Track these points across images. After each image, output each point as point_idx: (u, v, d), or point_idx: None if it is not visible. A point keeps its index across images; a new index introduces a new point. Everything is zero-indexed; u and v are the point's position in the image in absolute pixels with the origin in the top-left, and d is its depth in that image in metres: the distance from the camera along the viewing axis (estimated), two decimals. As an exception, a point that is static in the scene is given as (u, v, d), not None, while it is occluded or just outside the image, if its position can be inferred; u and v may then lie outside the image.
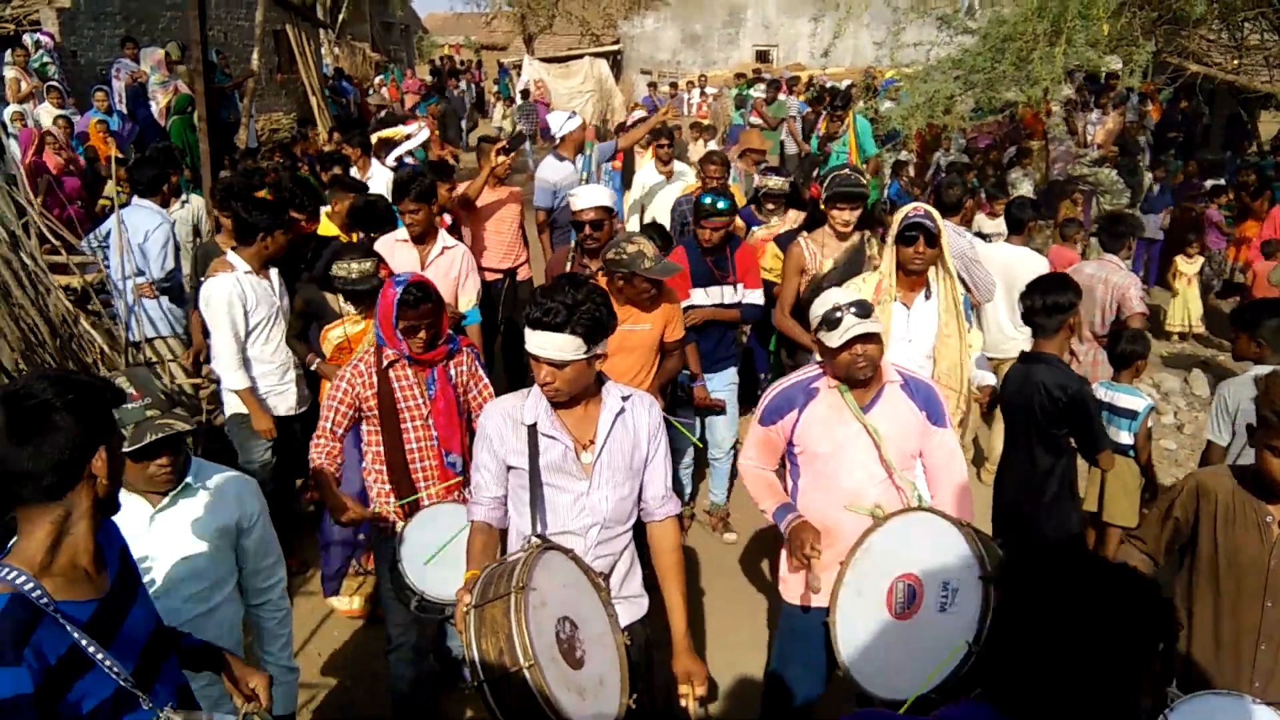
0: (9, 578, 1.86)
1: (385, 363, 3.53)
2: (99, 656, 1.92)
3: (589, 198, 4.62)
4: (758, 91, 14.67)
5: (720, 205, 4.78)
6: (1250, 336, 3.86)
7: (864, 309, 2.87)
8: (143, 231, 5.43)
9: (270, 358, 4.63)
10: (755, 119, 12.17)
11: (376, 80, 22.48)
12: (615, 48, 26.28)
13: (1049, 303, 3.77)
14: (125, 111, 10.53)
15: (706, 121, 13.91)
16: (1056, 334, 3.78)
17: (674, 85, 20.02)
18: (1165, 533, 2.86)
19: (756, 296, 5.04)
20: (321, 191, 6.27)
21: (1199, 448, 5.41)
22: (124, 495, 2.37)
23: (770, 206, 6.38)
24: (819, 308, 2.96)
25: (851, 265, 4.63)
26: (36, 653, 1.84)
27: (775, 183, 6.41)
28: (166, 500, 2.61)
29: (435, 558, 3.24)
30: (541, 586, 2.31)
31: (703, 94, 18.86)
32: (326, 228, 5.68)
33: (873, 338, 2.88)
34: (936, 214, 3.86)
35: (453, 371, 3.62)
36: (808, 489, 3.10)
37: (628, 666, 2.47)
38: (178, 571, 2.62)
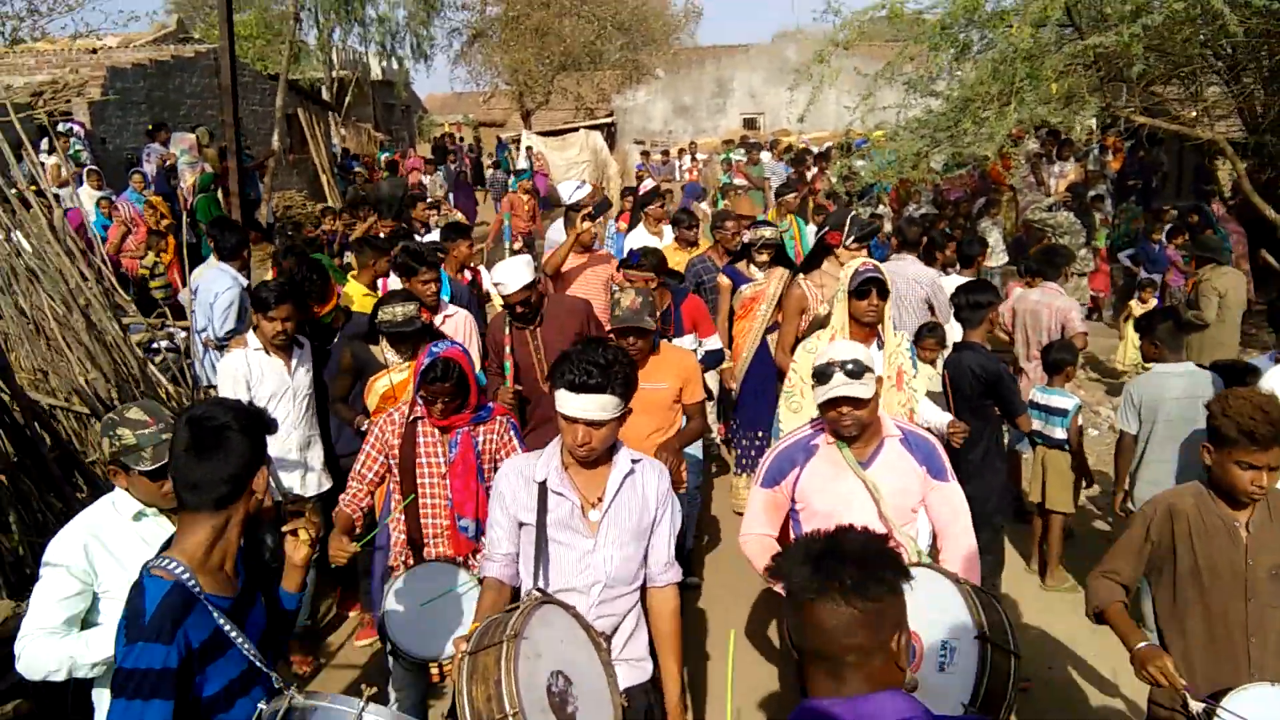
0: (171, 568, 2.12)
1: (414, 416, 3.62)
2: (239, 641, 2.18)
3: (513, 282, 4.62)
4: (738, 155, 15.57)
5: (633, 259, 5.07)
6: (1150, 340, 4.52)
7: (857, 369, 2.85)
8: (214, 292, 5.95)
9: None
10: (739, 179, 12.99)
11: (382, 158, 23.48)
12: (609, 120, 27.42)
13: (972, 300, 4.65)
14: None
15: (699, 183, 14.79)
16: (979, 325, 4.66)
17: (665, 153, 20.99)
18: (1143, 558, 2.98)
19: (713, 343, 5.34)
20: (332, 273, 6.31)
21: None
22: (149, 513, 2.80)
23: (761, 259, 6.43)
24: (819, 359, 3.00)
25: None
26: (185, 635, 2.09)
27: (768, 232, 6.54)
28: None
29: (419, 612, 3.25)
30: (536, 638, 2.32)
31: (694, 160, 19.85)
32: (354, 292, 5.93)
33: (861, 403, 2.87)
34: (883, 268, 4.08)
35: (481, 438, 3.63)
36: None
37: None
38: None
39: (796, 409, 4.20)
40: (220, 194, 11.49)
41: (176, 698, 2.07)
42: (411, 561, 3.59)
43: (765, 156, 15.97)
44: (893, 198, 12.42)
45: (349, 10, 23.32)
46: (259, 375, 4.53)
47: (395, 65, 30.67)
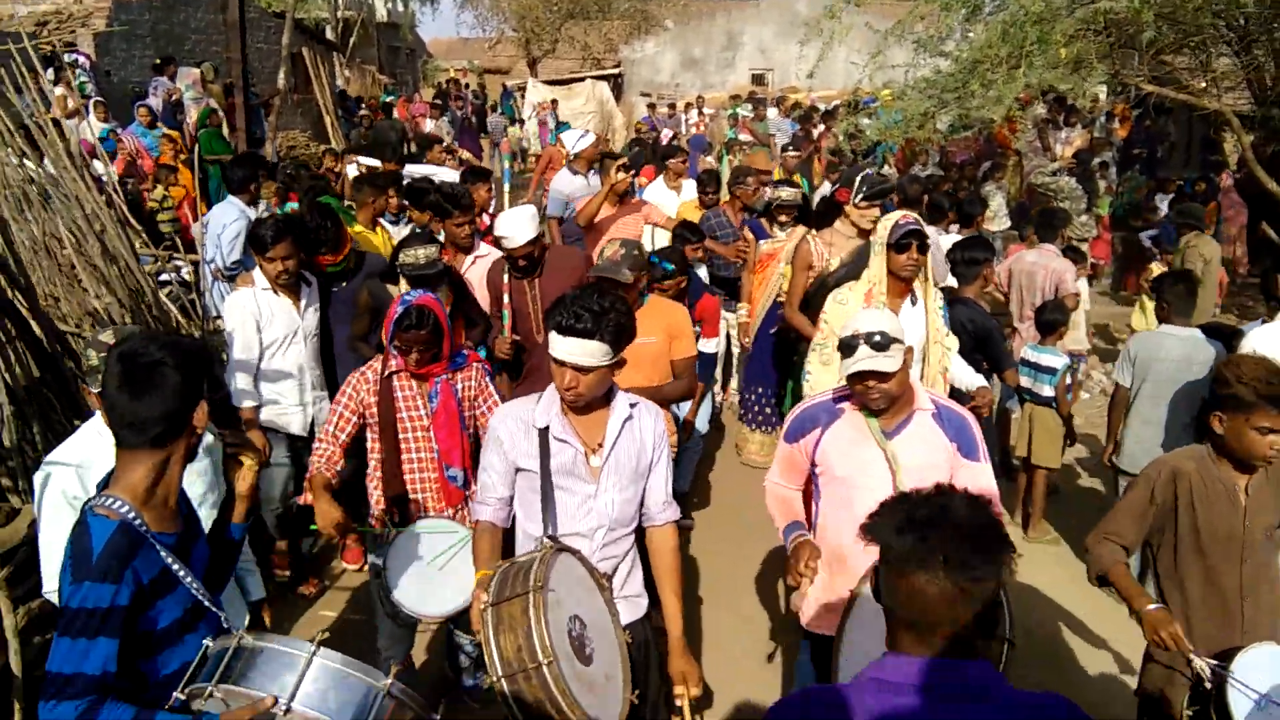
0: (116, 507, 2.10)
1: (389, 370, 3.55)
2: (186, 579, 2.19)
3: (518, 235, 4.53)
4: (745, 110, 15.53)
5: (667, 267, 4.87)
6: (1162, 301, 4.63)
7: (884, 341, 2.78)
8: (222, 223, 6.08)
9: (283, 376, 4.55)
10: (745, 135, 12.99)
11: (387, 101, 23.32)
12: (616, 71, 27.21)
13: (968, 256, 4.77)
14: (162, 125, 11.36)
15: (706, 137, 14.77)
16: (974, 281, 4.78)
17: (672, 106, 20.90)
18: (1146, 521, 3.01)
19: (709, 346, 5.22)
20: (344, 217, 6.18)
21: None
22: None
23: (783, 219, 6.42)
24: (845, 330, 2.93)
25: (857, 263, 4.63)
26: (135, 573, 2.09)
27: (788, 194, 6.53)
28: None
29: (421, 572, 3.25)
30: (556, 586, 2.37)
31: (700, 114, 19.76)
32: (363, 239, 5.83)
33: (887, 376, 2.81)
34: (921, 221, 3.99)
35: (459, 385, 3.60)
36: (826, 511, 3.06)
37: (629, 664, 2.56)
38: None
39: (827, 361, 4.08)
40: (225, 129, 11.47)
41: (123, 636, 2.07)
42: (397, 519, 3.55)
43: (772, 113, 15.93)
44: (899, 158, 12.43)
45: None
46: (269, 316, 4.46)
47: (401, 7, 30.35)
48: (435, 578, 3.20)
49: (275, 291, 4.48)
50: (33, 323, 3.72)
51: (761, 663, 4.39)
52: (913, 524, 1.60)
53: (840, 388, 3.05)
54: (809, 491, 3.20)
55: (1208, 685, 2.72)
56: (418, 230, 5.57)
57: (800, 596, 2.86)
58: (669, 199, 7.83)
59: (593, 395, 2.67)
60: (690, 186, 7.93)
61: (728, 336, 6.76)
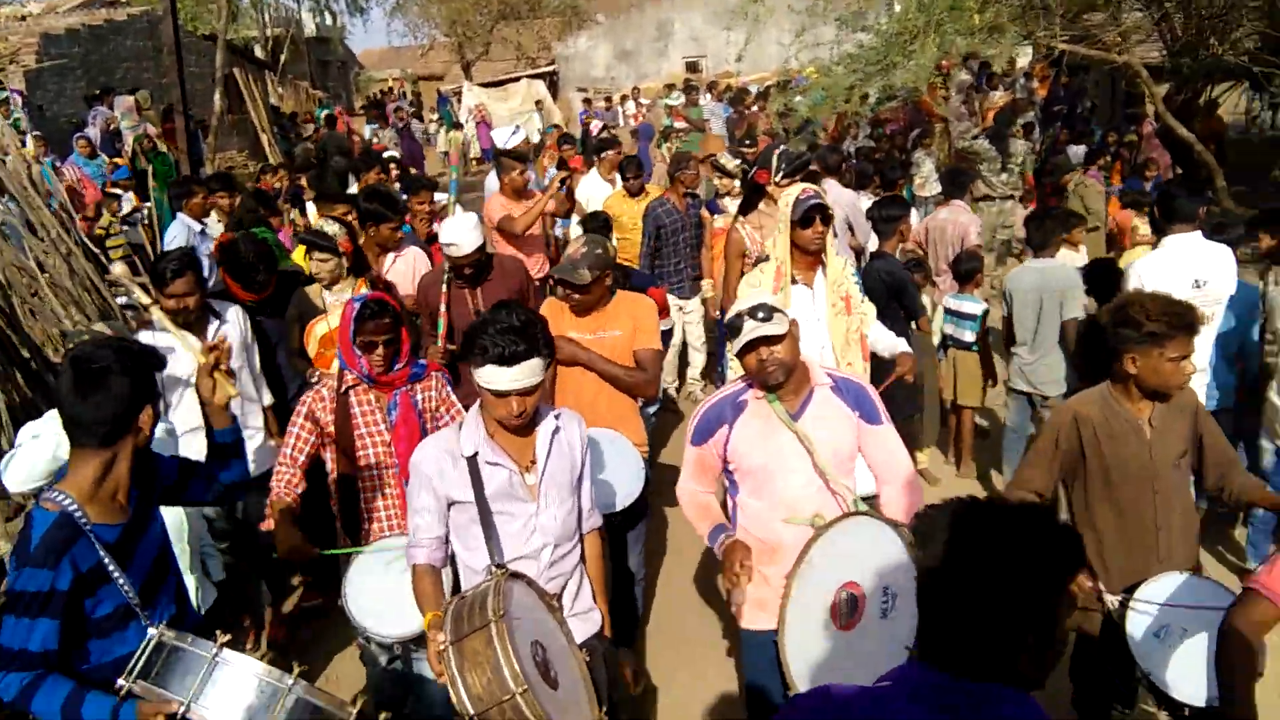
0: (59, 500, 2.29)
1: (344, 386, 3.46)
2: (115, 575, 2.34)
3: (465, 244, 4.40)
4: (674, 99, 15.83)
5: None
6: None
7: (766, 312, 2.82)
8: (169, 237, 6.37)
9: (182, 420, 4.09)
10: (679, 122, 13.29)
11: (321, 115, 23.34)
12: (551, 68, 27.41)
13: (885, 214, 5.17)
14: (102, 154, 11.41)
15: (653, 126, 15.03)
16: (892, 237, 5.21)
17: (609, 99, 21.15)
18: (1055, 466, 3.09)
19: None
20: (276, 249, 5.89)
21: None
22: None
23: (725, 186, 6.75)
24: (728, 315, 2.95)
25: None
26: (72, 561, 2.26)
27: (728, 162, 6.85)
28: None
29: (382, 592, 3.13)
30: (517, 613, 2.31)
31: (637, 105, 20.04)
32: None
33: (774, 340, 2.81)
34: (822, 191, 4.01)
35: (419, 396, 3.50)
36: (746, 505, 3.02)
37: (591, 683, 2.54)
38: None
39: None
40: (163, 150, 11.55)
41: (65, 618, 2.26)
42: (361, 538, 3.47)
43: (705, 99, 16.24)
44: (832, 133, 12.81)
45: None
46: (172, 359, 3.83)
47: (330, 21, 30.26)
48: (398, 597, 2.96)
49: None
50: (18, 345, 3.91)
51: (718, 651, 4.36)
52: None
53: (737, 383, 3.05)
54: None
55: (1114, 615, 2.88)
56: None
57: (741, 595, 2.80)
58: (603, 190, 7.87)
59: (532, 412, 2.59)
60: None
61: (683, 328, 6.92)
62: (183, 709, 2.15)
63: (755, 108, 14.12)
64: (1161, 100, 11.24)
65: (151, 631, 2.28)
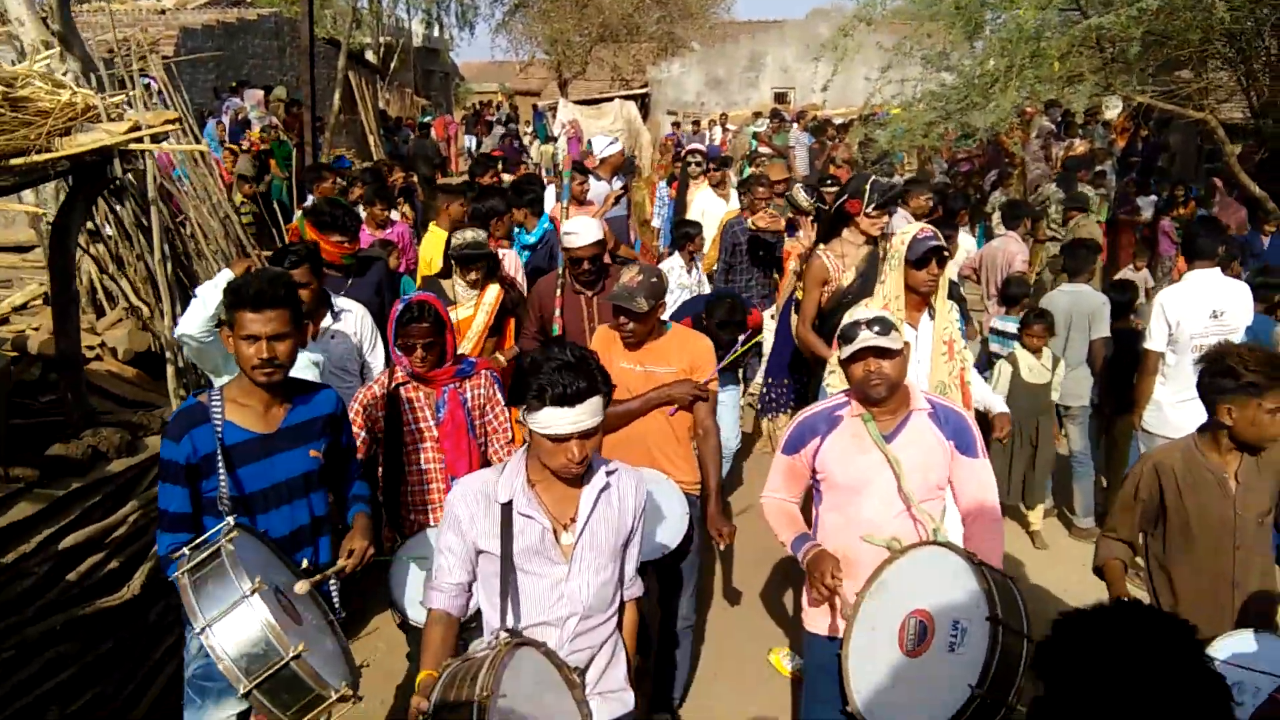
0: (210, 392, 2.75)
1: (395, 383, 3.54)
2: (219, 467, 2.63)
3: (585, 235, 4.43)
4: (760, 126, 16.46)
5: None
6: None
7: (884, 326, 2.80)
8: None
9: None
10: (764, 148, 13.85)
11: (426, 121, 24.49)
12: (644, 91, 28.19)
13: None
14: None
15: (726, 153, 15.67)
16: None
17: (696, 123, 21.83)
18: (1136, 515, 3.08)
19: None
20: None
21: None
22: None
23: (798, 220, 6.89)
24: (844, 322, 2.95)
25: (872, 273, 4.56)
26: (192, 441, 2.64)
27: (801, 198, 7.05)
28: None
29: (420, 578, 3.21)
30: (510, 691, 2.09)
31: (724, 131, 20.70)
32: (438, 237, 6.29)
33: (887, 353, 2.79)
34: (939, 233, 3.92)
35: (468, 395, 3.55)
36: (827, 518, 3.02)
37: None
38: None
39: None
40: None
41: (191, 487, 2.66)
42: (406, 531, 3.57)
43: (792, 128, 16.82)
44: (916, 166, 13.25)
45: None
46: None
47: (438, 33, 31.59)
48: None
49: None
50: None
51: (772, 683, 4.38)
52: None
53: (837, 396, 3.06)
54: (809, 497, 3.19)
55: None
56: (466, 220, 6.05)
57: (846, 607, 2.76)
58: (718, 206, 8.48)
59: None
60: (735, 194, 8.52)
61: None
62: (198, 629, 2.32)
63: (836, 138, 14.62)
64: (1239, 157, 11.43)
65: (223, 528, 2.46)
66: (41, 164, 2.99)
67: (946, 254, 3.83)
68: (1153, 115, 13.97)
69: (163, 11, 18.67)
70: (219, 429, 2.66)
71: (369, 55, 25.77)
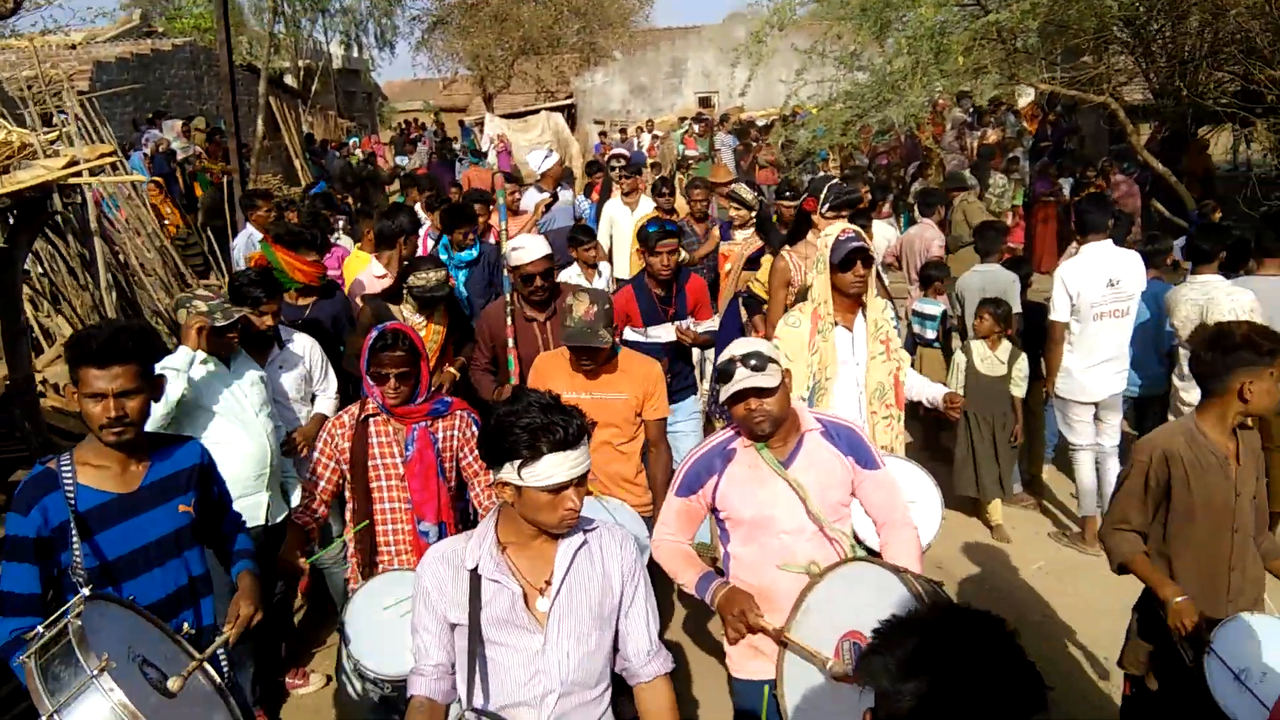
0: (61, 456, 2.54)
1: (365, 414, 3.37)
2: (72, 537, 2.42)
3: (533, 249, 4.27)
4: (688, 129, 16.82)
5: (667, 227, 4.76)
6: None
7: (760, 361, 2.72)
8: (236, 244, 6.92)
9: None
10: (690, 150, 14.15)
11: (350, 143, 24.37)
12: (569, 102, 28.43)
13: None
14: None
15: (653, 159, 15.97)
16: None
17: (623, 131, 22.11)
18: (1149, 505, 3.03)
19: (710, 325, 5.20)
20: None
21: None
22: (208, 359, 3.61)
23: (737, 213, 6.80)
24: (720, 358, 2.86)
25: None
26: (43, 512, 2.43)
27: (744, 191, 7.00)
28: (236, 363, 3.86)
29: (379, 623, 2.99)
30: None
31: (652, 137, 21.01)
32: (360, 261, 6.03)
33: (766, 392, 2.72)
34: (862, 232, 3.86)
35: (440, 434, 3.36)
36: (739, 553, 2.91)
37: None
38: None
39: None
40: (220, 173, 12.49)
41: (43, 564, 2.43)
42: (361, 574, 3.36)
43: (718, 131, 17.18)
44: (835, 165, 13.65)
45: (318, 2, 24.15)
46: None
47: (358, 53, 31.42)
48: (400, 636, 2.73)
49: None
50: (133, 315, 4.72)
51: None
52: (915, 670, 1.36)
53: (724, 432, 2.96)
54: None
55: (1189, 661, 2.85)
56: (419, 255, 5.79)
57: (757, 645, 2.69)
58: (624, 214, 8.25)
59: None
60: (646, 201, 8.40)
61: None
62: (45, 718, 2.09)
63: (760, 141, 14.98)
64: (1147, 139, 12.02)
65: (75, 602, 2.21)
66: (-17, 202, 3.06)
67: (871, 254, 3.75)
68: (1059, 101, 14.62)
69: (73, 46, 18.34)
70: (70, 495, 2.46)
71: (288, 79, 25.58)
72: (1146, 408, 5.76)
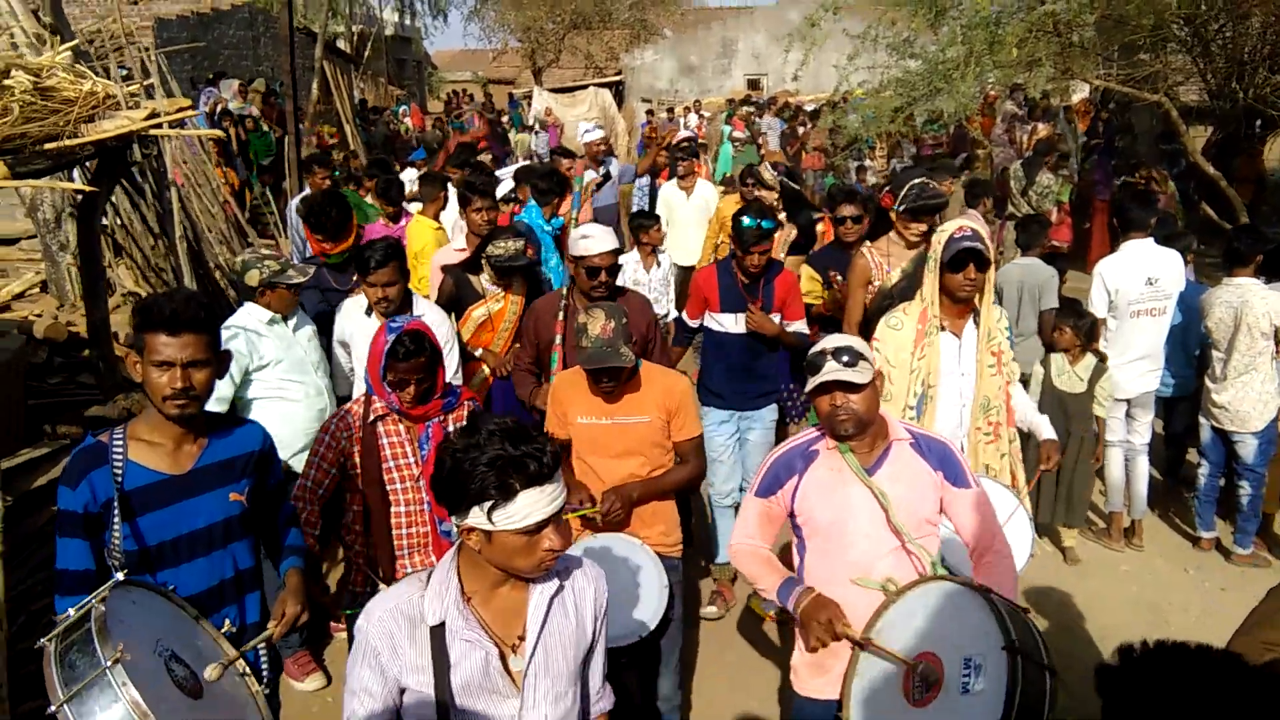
0: (114, 430, 2.40)
1: (373, 416, 3.20)
2: (114, 516, 2.29)
3: (600, 241, 3.94)
4: (746, 109, 16.83)
5: (765, 226, 4.35)
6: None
7: (851, 356, 2.60)
8: (293, 206, 7.11)
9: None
10: (738, 131, 14.17)
11: (400, 110, 24.61)
12: (618, 78, 28.47)
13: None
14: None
15: (702, 140, 16.01)
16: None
17: (671, 111, 22.13)
18: None
19: (800, 327, 4.60)
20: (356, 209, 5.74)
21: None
22: (277, 319, 3.79)
23: (764, 195, 6.21)
24: (812, 350, 2.72)
25: (919, 273, 3.94)
26: (90, 486, 2.31)
27: (766, 171, 6.53)
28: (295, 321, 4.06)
29: None
30: None
31: (699, 117, 21.02)
32: (424, 225, 6.21)
33: (854, 387, 2.60)
34: (984, 231, 3.56)
35: (452, 428, 3.17)
36: (812, 563, 2.77)
37: None
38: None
39: (886, 396, 3.49)
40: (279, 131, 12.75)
41: (93, 540, 2.32)
42: (380, 585, 3.20)
43: (765, 114, 17.19)
44: (881, 152, 13.63)
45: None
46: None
47: (410, 21, 31.67)
48: None
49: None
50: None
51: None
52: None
53: (809, 431, 2.84)
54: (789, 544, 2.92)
55: None
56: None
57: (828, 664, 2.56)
58: (680, 199, 8.21)
59: None
60: (703, 186, 8.34)
61: None
62: (54, 708, 1.96)
63: (809, 124, 14.98)
64: (1204, 143, 11.87)
65: (101, 591, 2.10)
66: (71, 149, 3.24)
67: (988, 257, 3.44)
68: (1112, 98, 14.45)
69: (134, 2, 18.70)
70: (119, 471, 2.34)
71: (342, 44, 25.83)
72: (1173, 408, 5.81)
